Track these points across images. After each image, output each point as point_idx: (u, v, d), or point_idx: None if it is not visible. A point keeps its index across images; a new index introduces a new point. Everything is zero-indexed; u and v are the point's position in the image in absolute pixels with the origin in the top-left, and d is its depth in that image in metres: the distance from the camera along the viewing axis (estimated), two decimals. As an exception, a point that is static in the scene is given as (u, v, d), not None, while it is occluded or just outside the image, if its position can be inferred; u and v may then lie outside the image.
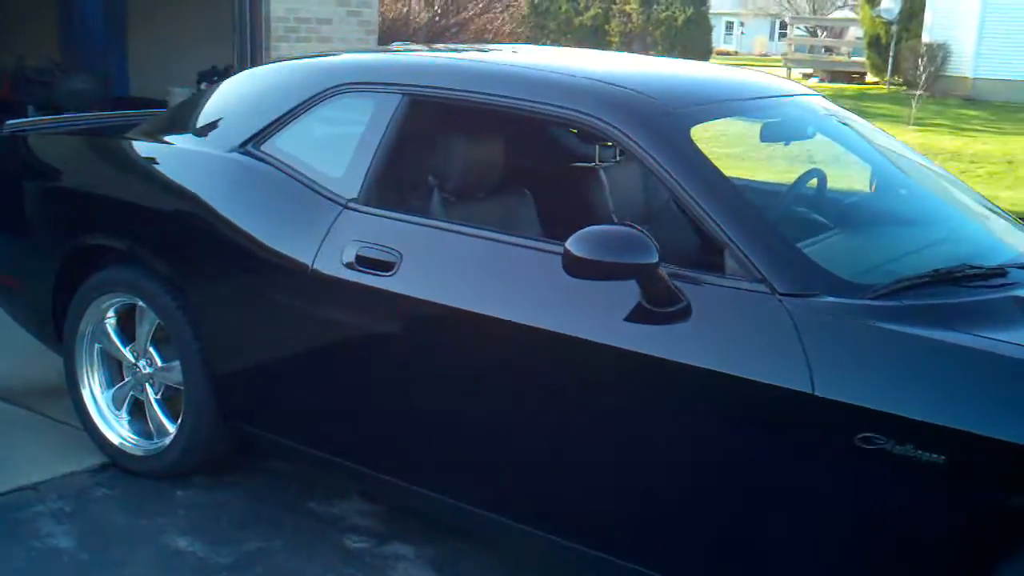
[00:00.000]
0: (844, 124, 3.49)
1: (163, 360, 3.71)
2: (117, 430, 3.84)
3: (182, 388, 3.65)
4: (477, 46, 3.67)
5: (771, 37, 57.33)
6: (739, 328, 2.56)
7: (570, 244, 2.57)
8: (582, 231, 2.58)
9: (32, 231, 3.98)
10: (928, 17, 21.42)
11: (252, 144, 3.41)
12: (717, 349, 2.55)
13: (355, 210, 3.16)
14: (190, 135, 3.62)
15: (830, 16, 29.87)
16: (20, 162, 4.10)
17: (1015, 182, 11.73)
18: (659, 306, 2.62)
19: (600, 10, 30.85)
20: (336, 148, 3.32)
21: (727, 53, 43.92)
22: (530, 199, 3.64)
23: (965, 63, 20.42)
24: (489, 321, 2.84)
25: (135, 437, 3.80)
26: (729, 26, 58.47)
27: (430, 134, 3.31)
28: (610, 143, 2.80)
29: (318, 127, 3.36)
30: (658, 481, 2.67)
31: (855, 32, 27.03)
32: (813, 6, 44.45)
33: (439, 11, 9.39)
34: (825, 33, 28.51)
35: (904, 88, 20.89)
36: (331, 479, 3.75)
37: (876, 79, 25.01)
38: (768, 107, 3.29)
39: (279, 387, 3.37)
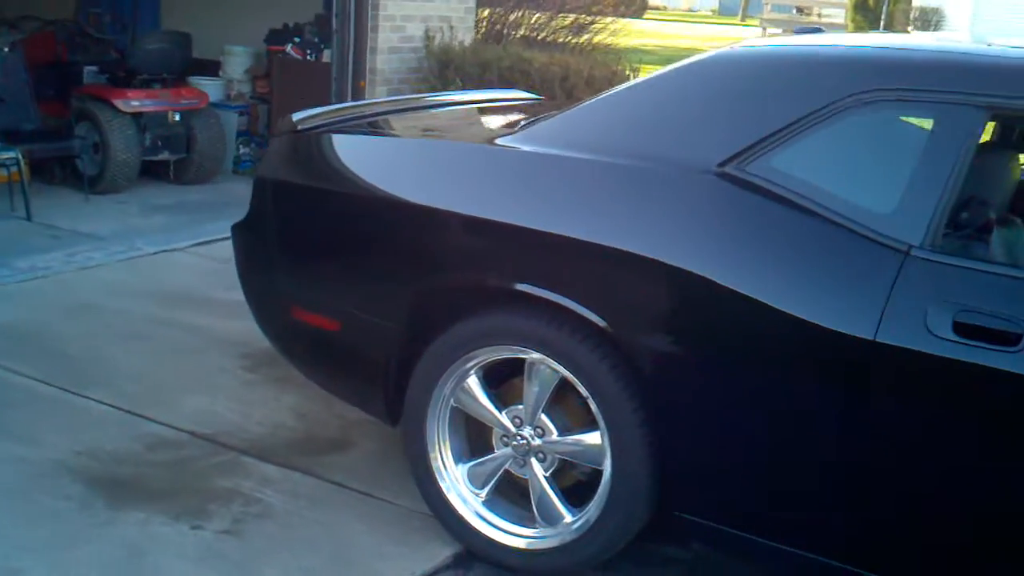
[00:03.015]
0: None
1: (560, 430, 2.92)
2: (484, 515, 3.05)
3: (589, 464, 2.90)
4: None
5: (698, -7, 57.17)
6: None
7: None
8: None
9: (364, 261, 3.11)
10: (920, -21, 21.11)
11: (735, 164, 2.62)
12: None
13: (925, 259, 2.41)
14: (611, 145, 2.80)
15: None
16: (329, 169, 3.22)
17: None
18: None
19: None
20: (870, 174, 2.56)
21: (657, 8, 43.33)
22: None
23: (961, 30, 20.16)
24: None
25: (522, 528, 3.01)
26: (657, -19, 58.02)
27: (996, 158, 2.58)
28: None
29: (834, 144, 2.58)
30: None
31: (831, -8, 26.82)
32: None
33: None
34: (797, -7, 28.30)
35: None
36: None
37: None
38: None
39: (776, 476, 2.63)
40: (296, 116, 3.31)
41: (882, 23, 20.94)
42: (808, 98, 2.58)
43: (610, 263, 2.69)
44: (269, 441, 3.73)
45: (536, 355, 2.85)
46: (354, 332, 3.15)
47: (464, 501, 3.06)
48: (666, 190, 2.68)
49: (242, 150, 8.17)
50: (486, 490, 3.06)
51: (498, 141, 3.03)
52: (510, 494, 3.11)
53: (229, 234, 6.24)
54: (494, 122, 3.61)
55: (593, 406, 2.80)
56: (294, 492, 3.38)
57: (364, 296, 3.11)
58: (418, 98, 3.89)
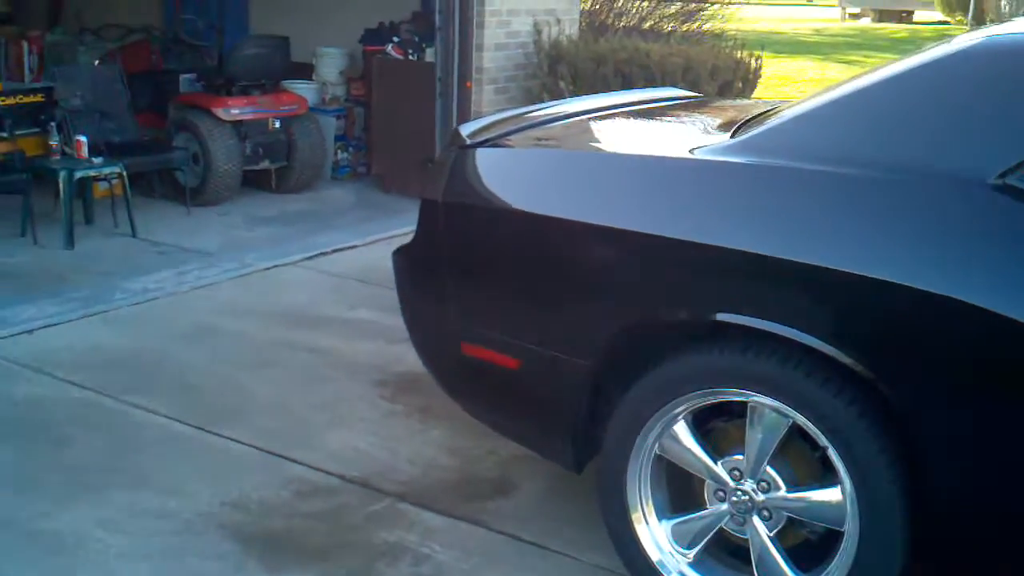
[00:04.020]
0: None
1: (788, 484, 2.53)
2: (694, 579, 2.67)
3: (823, 524, 2.51)
4: None
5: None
6: None
7: None
8: None
9: (553, 293, 2.74)
10: (1012, -45, 20.22)
11: (1020, 174, 2.20)
12: None
13: None
14: (855, 156, 2.38)
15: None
16: (508, 188, 2.85)
17: None
18: None
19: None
20: None
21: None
22: None
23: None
24: None
25: (737, 595, 2.63)
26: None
27: None
28: None
29: None
30: None
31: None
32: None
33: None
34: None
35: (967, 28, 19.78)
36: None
37: (941, 18, 24.13)
38: None
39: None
40: (464, 129, 2.95)
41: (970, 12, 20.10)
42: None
43: (864, 295, 2.29)
44: (424, 483, 3.38)
45: (763, 399, 2.46)
46: (537, 371, 2.78)
47: (670, 563, 2.68)
48: (933, 207, 2.26)
49: (340, 155, 7.88)
50: (695, 550, 2.68)
51: (704, 153, 2.63)
52: (717, 553, 2.72)
53: (342, 245, 6.12)
54: (684, 129, 3.22)
55: (835, 458, 2.40)
56: (464, 547, 3.03)
57: (551, 331, 2.74)
58: (582, 102, 3.49)
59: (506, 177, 2.88)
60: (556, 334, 2.73)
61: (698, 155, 2.61)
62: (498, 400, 2.96)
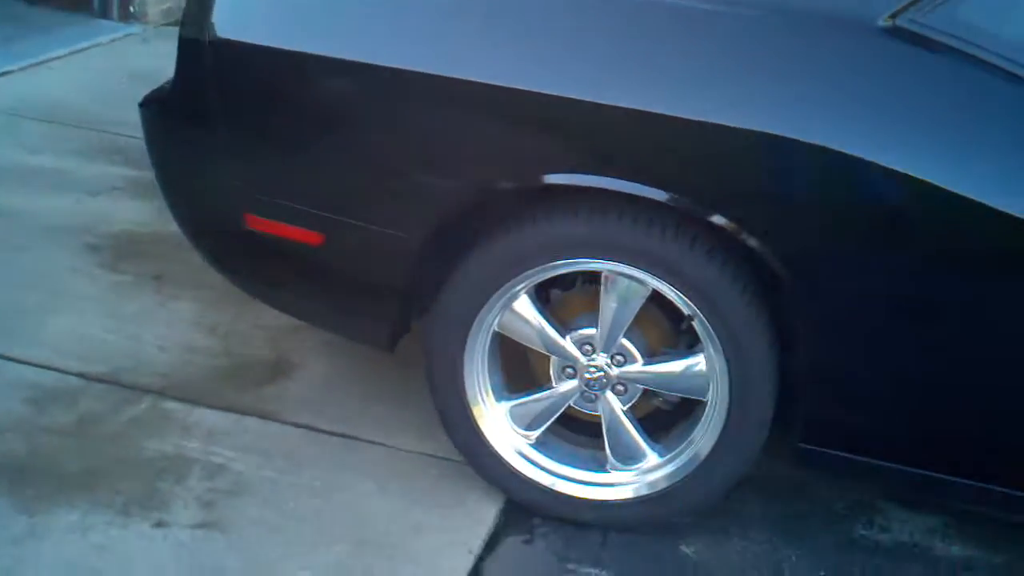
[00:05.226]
0: None
1: (645, 356, 2.33)
2: (541, 463, 2.45)
3: (684, 395, 2.38)
4: None
5: None
6: None
7: None
8: None
9: (366, 153, 2.25)
10: None
11: (910, 15, 1.99)
12: None
13: None
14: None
15: None
16: (302, 25, 2.27)
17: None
18: None
19: None
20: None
21: None
22: None
23: None
24: None
25: (591, 473, 2.44)
26: None
27: None
28: None
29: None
30: None
31: None
32: None
33: None
34: None
35: None
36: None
37: None
38: None
39: (948, 398, 2.18)
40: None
41: None
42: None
43: (741, 150, 2.03)
44: (188, 373, 2.87)
45: (622, 267, 2.20)
46: (348, 248, 2.33)
47: (512, 447, 2.43)
48: (816, 51, 2.02)
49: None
50: (538, 431, 2.44)
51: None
52: (560, 431, 2.51)
53: (8, 67, 5.07)
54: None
55: (703, 327, 2.21)
56: (259, 448, 2.60)
57: (363, 201, 2.28)
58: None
59: (292, 8, 2.31)
60: (369, 204, 2.28)
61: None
62: (292, 280, 2.48)
